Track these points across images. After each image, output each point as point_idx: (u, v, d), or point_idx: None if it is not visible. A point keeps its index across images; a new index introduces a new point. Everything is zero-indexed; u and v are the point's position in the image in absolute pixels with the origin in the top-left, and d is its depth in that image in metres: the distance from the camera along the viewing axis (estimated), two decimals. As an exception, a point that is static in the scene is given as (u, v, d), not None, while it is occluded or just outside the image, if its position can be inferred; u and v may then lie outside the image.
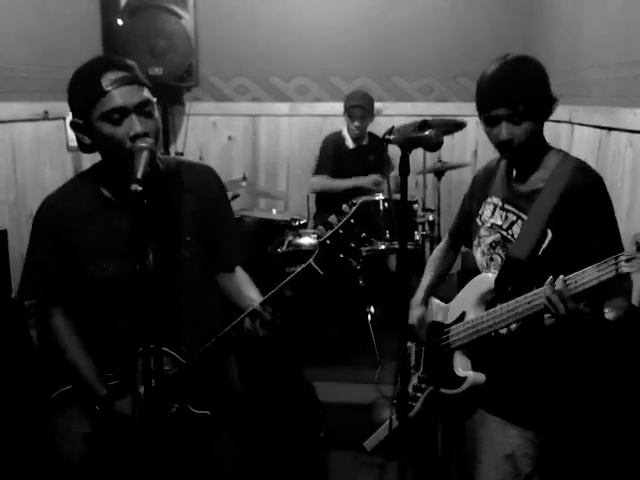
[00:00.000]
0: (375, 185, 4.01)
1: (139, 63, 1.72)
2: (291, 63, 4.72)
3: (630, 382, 2.07)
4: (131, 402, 1.61)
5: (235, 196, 4.05)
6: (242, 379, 1.98)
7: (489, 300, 1.80)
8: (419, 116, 4.14)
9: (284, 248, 3.59)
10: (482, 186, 1.94)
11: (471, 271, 1.91)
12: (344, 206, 3.72)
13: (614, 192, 1.76)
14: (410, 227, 3.57)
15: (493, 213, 1.85)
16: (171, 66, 4.21)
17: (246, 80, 4.80)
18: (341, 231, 1.48)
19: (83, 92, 1.61)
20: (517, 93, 1.67)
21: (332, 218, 4.00)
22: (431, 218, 3.84)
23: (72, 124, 1.67)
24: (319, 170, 4.24)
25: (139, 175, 1.43)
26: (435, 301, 2.04)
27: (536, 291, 1.61)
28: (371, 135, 4.28)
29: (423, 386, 1.95)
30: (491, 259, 1.85)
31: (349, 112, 4.13)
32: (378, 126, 4.15)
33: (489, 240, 1.85)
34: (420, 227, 3.74)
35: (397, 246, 3.42)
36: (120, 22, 4.16)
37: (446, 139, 1.68)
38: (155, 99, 1.66)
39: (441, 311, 1.97)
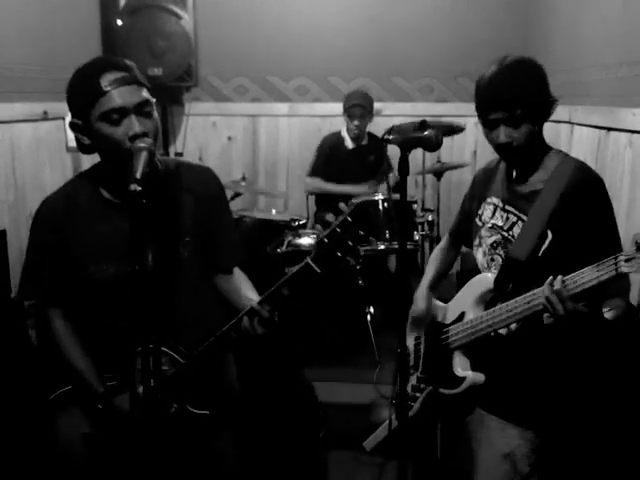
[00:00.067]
0: (367, 195, 4.03)
1: (138, 63, 1.72)
2: (291, 63, 4.72)
3: (629, 382, 2.07)
4: (129, 399, 1.61)
5: (237, 194, 4.05)
6: (242, 379, 1.98)
7: (488, 300, 1.80)
8: (419, 116, 4.12)
9: (283, 248, 3.60)
10: (482, 186, 1.94)
11: (470, 271, 1.92)
12: (341, 205, 3.73)
13: (613, 192, 1.76)
14: (409, 227, 3.57)
15: (494, 214, 1.85)
16: (170, 66, 4.21)
17: (246, 80, 4.80)
18: (339, 230, 1.48)
19: (82, 92, 1.61)
20: (515, 97, 1.66)
21: (330, 217, 4.02)
22: (430, 218, 3.85)
23: (71, 124, 1.67)
24: (313, 173, 4.26)
25: (138, 175, 1.43)
26: (434, 301, 2.04)
27: (535, 291, 1.61)
28: (370, 135, 4.28)
29: (422, 386, 1.96)
30: (492, 259, 1.85)
31: (348, 112, 4.13)
32: (377, 126, 4.15)
33: (490, 241, 1.85)
34: (419, 227, 3.74)
35: (396, 246, 3.42)
36: (119, 22, 4.16)
37: (445, 140, 1.68)
38: (154, 99, 1.66)
39: (440, 311, 1.97)
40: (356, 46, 4.66)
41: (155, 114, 1.65)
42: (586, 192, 1.70)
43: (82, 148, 1.69)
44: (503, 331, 1.77)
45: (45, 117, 3.53)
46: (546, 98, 1.72)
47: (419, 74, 4.71)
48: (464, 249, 2.13)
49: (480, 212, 1.90)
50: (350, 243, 1.47)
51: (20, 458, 2.31)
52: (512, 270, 1.74)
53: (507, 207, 1.82)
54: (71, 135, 1.69)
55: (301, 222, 3.90)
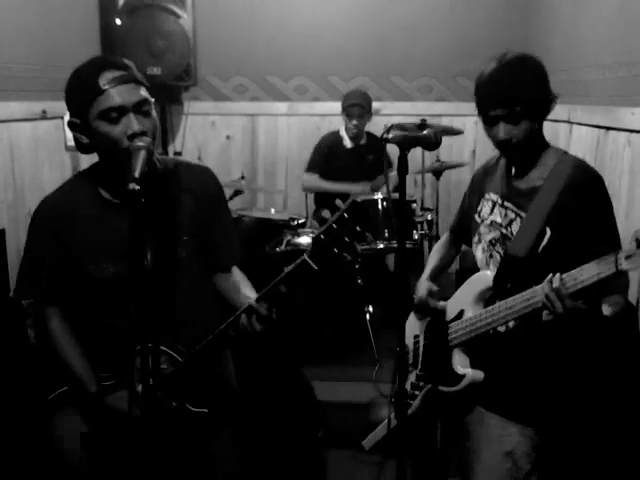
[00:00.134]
0: (365, 195, 4.03)
1: (137, 63, 1.72)
2: (290, 63, 4.72)
3: (628, 379, 2.08)
4: (125, 397, 1.61)
5: (237, 192, 4.04)
6: (241, 378, 1.98)
7: (487, 298, 1.80)
8: (418, 116, 4.16)
9: (282, 247, 3.59)
10: (481, 182, 1.95)
11: (469, 270, 1.92)
12: (338, 201, 3.72)
13: (612, 191, 1.76)
14: (409, 226, 3.57)
15: (492, 210, 1.86)
16: (169, 66, 4.20)
17: (245, 80, 4.79)
18: (335, 226, 1.47)
19: (81, 91, 1.61)
20: (514, 94, 1.66)
21: (326, 213, 4.02)
22: (430, 217, 3.85)
23: (69, 124, 1.66)
24: (310, 168, 4.26)
25: (137, 174, 1.43)
26: (433, 286, 2.03)
27: (534, 289, 1.61)
28: (369, 134, 4.28)
29: (421, 384, 1.96)
30: (490, 256, 1.85)
31: (347, 111, 4.13)
32: (376, 126, 4.15)
33: (489, 237, 1.85)
34: (419, 226, 3.74)
35: (395, 245, 3.42)
36: (118, 22, 4.15)
37: (444, 139, 1.68)
38: (153, 99, 1.66)
39: (440, 309, 1.97)
40: (355, 45, 4.66)
41: (154, 113, 1.65)
42: (585, 189, 1.70)
43: (80, 147, 1.69)
44: (502, 328, 1.77)
45: (44, 116, 3.53)
46: (546, 95, 1.72)
47: (418, 73, 4.70)
48: (463, 247, 2.13)
49: (479, 208, 1.91)
50: (347, 239, 1.47)
51: (18, 457, 2.31)
52: (511, 267, 1.74)
53: (506, 203, 1.82)
54: (70, 134, 1.69)
55: (300, 221, 3.90)
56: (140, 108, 1.61)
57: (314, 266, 1.49)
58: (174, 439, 1.70)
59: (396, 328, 1.60)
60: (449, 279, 3.00)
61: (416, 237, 3.61)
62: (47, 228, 1.75)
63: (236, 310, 1.64)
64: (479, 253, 1.89)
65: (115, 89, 1.57)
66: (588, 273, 1.49)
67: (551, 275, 1.56)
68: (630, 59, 2.80)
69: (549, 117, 1.76)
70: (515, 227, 1.78)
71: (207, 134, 4.87)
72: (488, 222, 1.86)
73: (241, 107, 4.82)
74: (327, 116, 4.67)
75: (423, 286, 2.00)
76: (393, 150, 1.56)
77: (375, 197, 3.59)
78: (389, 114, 4.56)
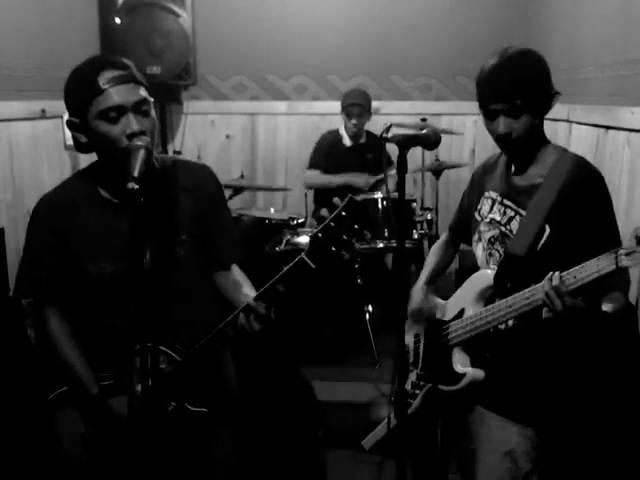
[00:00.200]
0: (366, 185, 4.03)
1: (137, 62, 1.72)
2: (289, 62, 4.72)
3: (628, 378, 2.07)
4: (125, 400, 1.61)
5: (238, 190, 4.03)
6: (241, 378, 1.98)
7: (488, 296, 1.80)
8: (417, 115, 4.17)
9: (282, 247, 3.59)
10: (481, 181, 1.94)
11: (469, 269, 1.91)
12: (335, 199, 3.72)
13: (612, 190, 1.76)
14: (408, 226, 3.57)
15: (492, 208, 1.85)
16: (169, 65, 4.20)
17: (244, 79, 4.79)
18: (332, 224, 1.47)
19: (80, 90, 1.61)
20: (514, 88, 1.66)
21: (325, 212, 4.01)
22: (429, 217, 3.85)
23: (68, 123, 1.66)
24: (312, 166, 4.26)
25: (135, 173, 1.43)
26: (433, 297, 2.03)
27: (534, 287, 1.61)
28: (369, 133, 4.28)
29: (421, 383, 1.95)
30: (490, 254, 1.85)
31: (346, 110, 4.13)
32: (376, 125, 4.15)
33: (488, 235, 1.85)
34: (418, 226, 3.74)
35: (395, 244, 3.42)
36: (118, 21, 4.15)
37: (444, 138, 1.68)
38: (152, 98, 1.66)
39: (439, 308, 1.97)
40: (355, 45, 4.66)
41: (153, 113, 1.65)
42: (585, 187, 1.70)
43: (79, 147, 1.69)
44: (502, 327, 1.76)
45: (43, 115, 3.52)
46: (547, 90, 1.72)
47: (417, 73, 4.70)
48: (463, 247, 2.13)
49: (479, 207, 1.90)
50: (344, 237, 1.46)
51: (19, 457, 2.31)
52: (511, 266, 1.74)
53: (505, 201, 1.82)
54: (69, 134, 1.69)
55: (299, 221, 3.90)
56: (139, 108, 1.60)
57: (312, 265, 1.49)
58: (174, 439, 1.69)
59: (396, 328, 1.60)
60: (449, 279, 2.99)
61: (416, 236, 3.61)
62: (46, 226, 1.75)
63: (235, 309, 1.64)
64: (479, 251, 1.89)
65: (114, 89, 1.57)
66: (588, 270, 1.48)
67: (551, 273, 1.56)
68: (629, 58, 2.80)
69: (548, 116, 1.76)
70: (514, 225, 1.77)
71: (206, 133, 4.86)
72: (487, 220, 1.86)
73: (241, 106, 4.82)
74: (327, 115, 4.67)
75: (417, 295, 2.00)
76: (393, 149, 1.56)
77: (375, 196, 3.59)
78: (389, 113, 4.56)
